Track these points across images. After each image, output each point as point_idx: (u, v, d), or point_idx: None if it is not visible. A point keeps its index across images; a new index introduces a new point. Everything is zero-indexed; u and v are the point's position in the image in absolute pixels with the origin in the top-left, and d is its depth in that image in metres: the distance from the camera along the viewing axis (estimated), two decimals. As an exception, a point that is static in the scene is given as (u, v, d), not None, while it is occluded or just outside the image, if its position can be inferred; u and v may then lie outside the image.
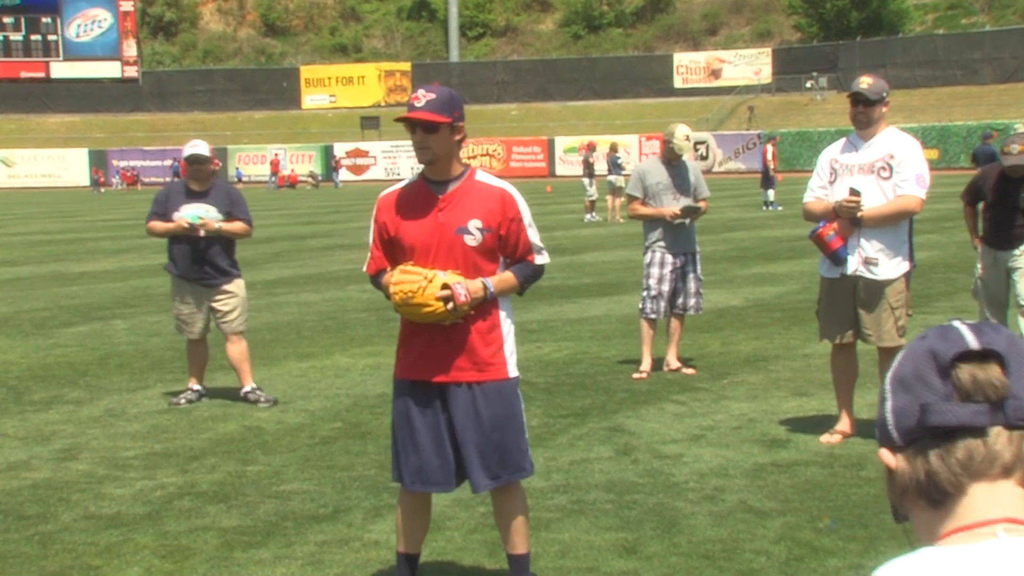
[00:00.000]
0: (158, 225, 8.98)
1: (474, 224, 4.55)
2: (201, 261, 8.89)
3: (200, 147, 8.97)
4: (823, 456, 7.07)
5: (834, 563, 5.21)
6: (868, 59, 71.37)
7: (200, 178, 8.96)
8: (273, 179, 69.30)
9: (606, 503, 6.19)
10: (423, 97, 4.50)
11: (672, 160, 9.68)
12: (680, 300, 9.73)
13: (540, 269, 4.79)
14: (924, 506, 1.38)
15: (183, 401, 9.02)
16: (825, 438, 7.43)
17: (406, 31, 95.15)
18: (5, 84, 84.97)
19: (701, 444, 7.45)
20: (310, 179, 71.93)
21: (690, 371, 9.77)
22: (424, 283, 4.37)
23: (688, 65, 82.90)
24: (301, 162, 76.51)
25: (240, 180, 69.66)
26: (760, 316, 12.90)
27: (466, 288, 4.41)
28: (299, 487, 6.67)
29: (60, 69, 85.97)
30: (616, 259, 19.96)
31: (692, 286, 9.74)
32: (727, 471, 6.79)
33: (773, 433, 7.69)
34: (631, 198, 9.75)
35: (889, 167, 7.09)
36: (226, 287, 8.99)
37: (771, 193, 32.95)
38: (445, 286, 4.37)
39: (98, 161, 76.88)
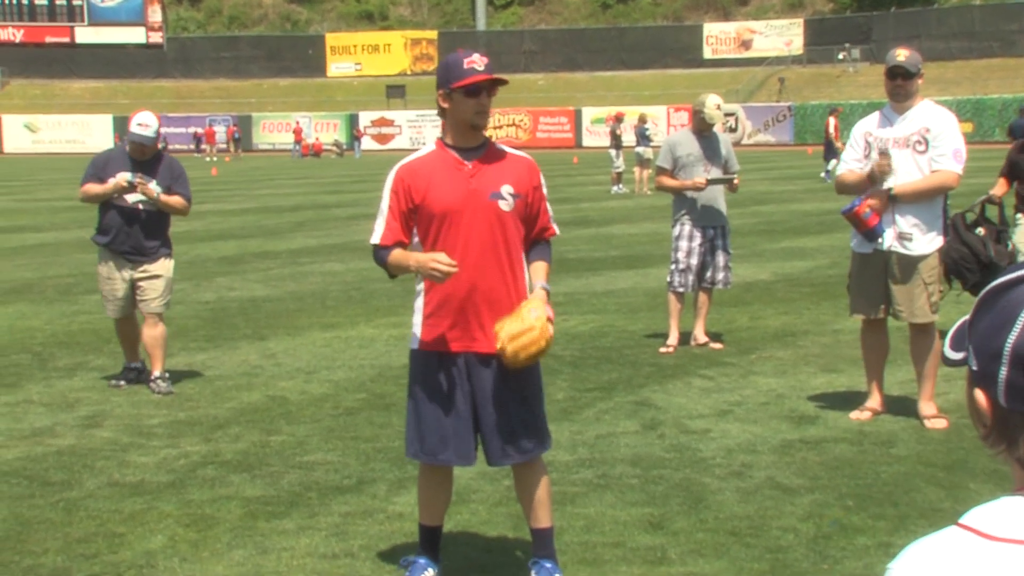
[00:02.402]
0: (93, 187, 8.49)
1: (507, 189, 4.56)
2: (133, 233, 8.48)
3: (148, 128, 8.42)
4: (852, 433, 7.04)
5: (863, 541, 5.19)
6: (902, 30, 70.63)
7: (142, 154, 8.53)
8: (297, 147, 69.33)
9: (632, 478, 6.19)
10: (481, 61, 4.50)
11: (703, 130, 9.62)
12: (709, 274, 9.69)
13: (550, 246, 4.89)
14: (1010, 459, 1.37)
15: (123, 383, 8.68)
16: (855, 415, 7.39)
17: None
18: (30, 49, 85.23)
19: (728, 420, 7.43)
20: (335, 148, 71.94)
21: (718, 346, 9.74)
22: (536, 329, 4.34)
23: (718, 35, 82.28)
24: (326, 130, 76.50)
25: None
26: (789, 291, 12.83)
27: (548, 307, 4.49)
28: (323, 458, 6.70)
29: (85, 34, 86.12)
30: (643, 232, 19.90)
31: (721, 260, 9.69)
32: (755, 447, 6.77)
33: (802, 409, 7.66)
34: (660, 170, 9.70)
35: (925, 140, 7.01)
36: (153, 266, 8.57)
37: (833, 163, 32.72)
38: (549, 319, 4.41)
39: (122, 128, 76.59)
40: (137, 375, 8.81)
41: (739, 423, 7.34)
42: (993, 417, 1.36)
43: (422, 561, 4.78)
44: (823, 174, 32.52)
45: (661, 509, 5.67)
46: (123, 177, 8.36)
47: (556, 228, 4.86)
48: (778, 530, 5.35)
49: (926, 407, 7.24)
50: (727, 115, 67.27)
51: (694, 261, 9.59)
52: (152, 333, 8.60)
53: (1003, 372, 1.33)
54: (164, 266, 8.64)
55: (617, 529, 5.40)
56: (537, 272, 4.69)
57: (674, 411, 7.65)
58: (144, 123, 8.42)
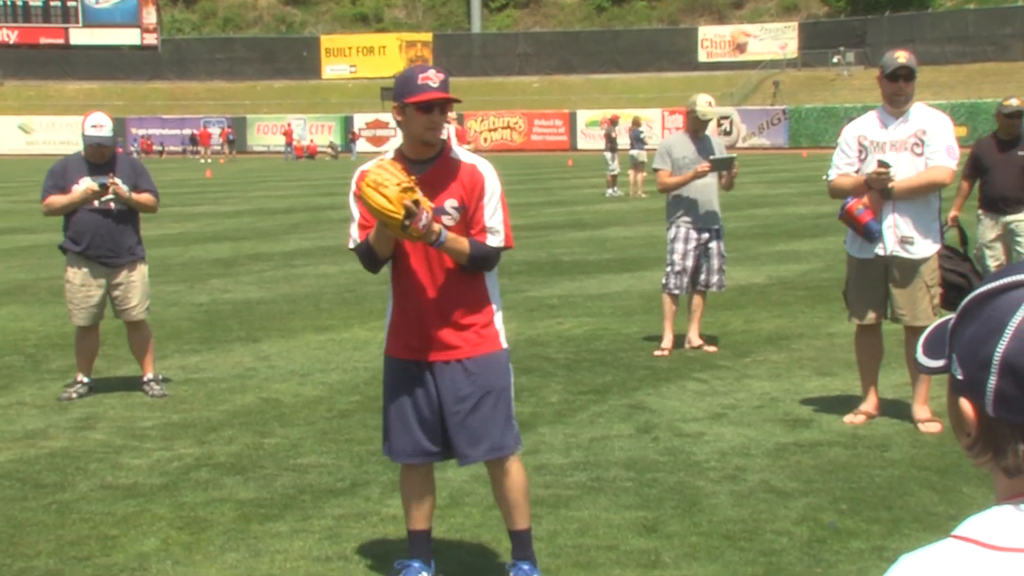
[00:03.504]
0: (58, 199, 8.24)
1: (450, 203, 4.55)
2: (107, 236, 8.26)
3: (102, 128, 8.27)
4: (847, 437, 7.04)
5: (857, 545, 5.19)
6: (897, 34, 70.76)
7: (102, 157, 8.34)
8: (290, 150, 69.20)
9: (626, 481, 6.18)
10: (436, 77, 4.47)
11: (698, 130, 9.64)
12: (703, 277, 9.70)
13: (491, 251, 4.60)
14: (995, 469, 1.34)
15: (74, 395, 8.38)
16: (849, 418, 7.39)
17: (427, 1, 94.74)
18: (24, 50, 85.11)
19: (723, 423, 7.42)
20: (330, 149, 71.89)
21: (712, 348, 9.74)
22: (403, 184, 4.28)
23: (713, 39, 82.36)
24: (321, 132, 76.46)
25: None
26: (784, 294, 12.84)
27: (428, 221, 4.31)
28: (316, 460, 6.69)
29: (79, 35, 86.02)
30: (638, 235, 19.90)
31: (715, 263, 9.69)
32: (749, 450, 6.77)
33: (796, 413, 7.66)
34: (659, 171, 9.69)
35: (922, 142, 7.02)
36: (128, 271, 8.39)
37: None
38: (416, 202, 4.28)
39: (116, 129, 76.48)
40: (88, 390, 8.47)
41: (733, 426, 7.33)
42: (979, 426, 1.34)
43: (416, 564, 4.77)
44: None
45: (655, 512, 5.67)
46: (90, 184, 8.15)
47: (499, 239, 4.59)
48: (772, 534, 5.35)
49: (920, 411, 7.24)
50: (722, 118, 67.42)
51: (689, 263, 9.60)
52: (138, 338, 8.54)
53: (992, 381, 1.30)
54: (140, 272, 8.49)
55: (611, 532, 5.40)
56: (454, 235, 4.50)
57: (668, 414, 7.65)
58: (98, 124, 8.29)
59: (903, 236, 7.06)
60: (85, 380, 8.54)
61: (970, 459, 1.38)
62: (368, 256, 4.60)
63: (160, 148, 74.97)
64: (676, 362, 9.31)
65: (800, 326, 10.88)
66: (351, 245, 4.71)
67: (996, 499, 1.35)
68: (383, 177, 4.32)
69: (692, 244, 9.60)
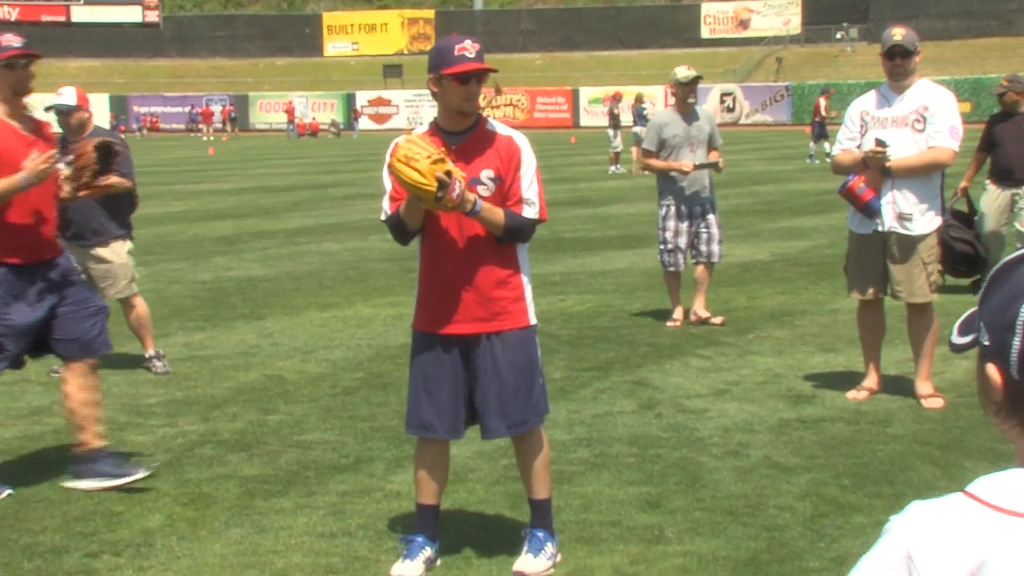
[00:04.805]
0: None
1: (486, 174, 4.57)
2: (74, 217, 8.02)
3: (65, 96, 8.15)
4: (849, 412, 7.05)
5: (860, 519, 5.20)
6: (900, 9, 70.31)
7: (70, 129, 8.13)
8: (292, 127, 69.03)
9: (629, 457, 6.20)
10: (472, 48, 4.50)
11: (685, 97, 9.70)
12: (703, 248, 9.75)
13: (527, 222, 4.63)
14: (1020, 434, 1.39)
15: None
16: (852, 394, 7.40)
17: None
18: (26, 27, 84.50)
19: (725, 399, 7.43)
20: (332, 127, 71.76)
21: (718, 320, 9.77)
22: (434, 157, 4.31)
23: (715, 15, 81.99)
24: (323, 110, 76.29)
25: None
26: (786, 271, 12.83)
27: (462, 190, 4.35)
28: (320, 437, 6.70)
29: (81, 13, 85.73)
30: (640, 211, 19.86)
31: (713, 232, 9.77)
32: (752, 426, 6.78)
33: (799, 389, 7.67)
34: (647, 152, 9.74)
35: (923, 119, 6.99)
36: (100, 251, 8.26)
37: (821, 145, 32.65)
38: (448, 173, 4.31)
39: (118, 107, 76.86)
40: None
41: (736, 402, 7.34)
42: (1005, 391, 1.38)
43: (420, 539, 4.79)
44: (808, 158, 32.36)
45: (658, 488, 5.68)
46: (58, 170, 7.97)
47: (534, 211, 4.63)
48: (775, 509, 5.36)
49: (923, 386, 7.25)
50: (724, 95, 67.27)
51: (682, 240, 9.69)
52: (132, 316, 8.49)
53: (1016, 342, 1.35)
54: (112, 250, 8.30)
55: (614, 508, 5.41)
56: (490, 208, 4.53)
57: (671, 391, 7.65)
58: (62, 92, 8.24)
59: (901, 212, 7.05)
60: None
61: (996, 424, 1.42)
62: (398, 228, 4.62)
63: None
64: (679, 338, 9.32)
65: (803, 302, 10.88)
66: (382, 217, 4.71)
67: (1018, 462, 1.40)
68: (413, 151, 4.34)
69: (684, 222, 9.67)
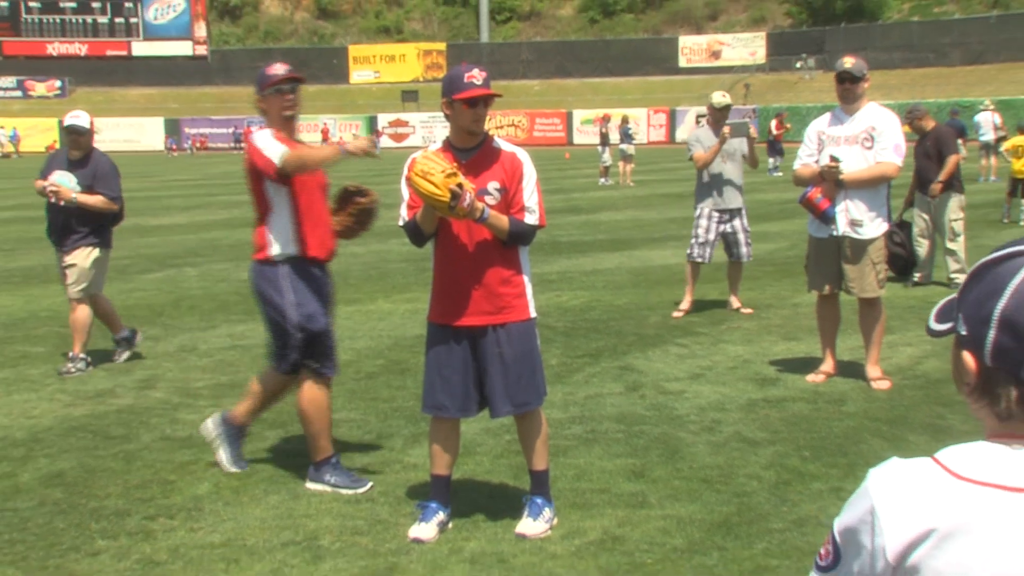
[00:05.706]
0: (38, 183, 8.10)
1: (493, 185, 4.55)
2: (58, 225, 8.10)
3: (80, 118, 8.11)
4: (809, 393, 7.02)
5: (817, 486, 5.18)
6: (851, 43, 70.23)
7: (78, 147, 8.11)
8: (324, 145, 68.82)
9: (617, 433, 6.17)
10: (480, 75, 4.47)
11: (719, 120, 9.82)
12: (735, 250, 9.95)
13: (529, 228, 4.59)
14: (989, 413, 1.38)
15: (73, 370, 8.06)
16: (811, 377, 7.38)
17: (442, 15, 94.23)
18: (93, 61, 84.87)
19: (701, 382, 7.41)
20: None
21: (748, 310, 10.02)
22: (447, 171, 4.31)
23: (691, 47, 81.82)
24: (348, 131, 76.14)
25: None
26: (754, 269, 12.76)
27: (472, 200, 4.35)
28: (347, 416, 6.68)
29: (140, 48, 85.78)
30: (627, 218, 19.83)
31: (741, 237, 9.92)
32: (724, 406, 6.75)
33: (765, 373, 7.64)
34: (695, 154, 9.83)
35: (871, 138, 6.97)
36: (72, 253, 8.09)
37: (776, 160, 33.29)
38: (460, 185, 4.32)
39: (172, 129, 76.86)
40: (86, 366, 8.15)
41: (710, 385, 7.32)
42: (978, 376, 1.37)
43: (434, 505, 4.77)
44: (769, 171, 32.66)
45: (642, 460, 5.66)
46: (41, 185, 7.98)
47: (535, 218, 4.60)
48: (744, 477, 5.34)
49: (872, 370, 7.23)
50: (699, 116, 66.92)
51: (712, 236, 9.87)
52: (72, 316, 8.21)
53: (991, 335, 1.34)
54: (80, 255, 8.10)
55: (604, 477, 5.39)
56: (496, 215, 4.50)
57: (653, 375, 7.63)
58: (76, 114, 8.17)
59: (853, 219, 7.03)
60: (81, 356, 8.19)
61: (969, 404, 1.40)
62: (415, 232, 4.61)
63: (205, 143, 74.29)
64: (660, 329, 9.29)
65: (769, 297, 10.84)
66: (400, 223, 4.69)
67: (985, 436, 1.39)
68: (429, 166, 4.34)
69: (715, 220, 9.83)
